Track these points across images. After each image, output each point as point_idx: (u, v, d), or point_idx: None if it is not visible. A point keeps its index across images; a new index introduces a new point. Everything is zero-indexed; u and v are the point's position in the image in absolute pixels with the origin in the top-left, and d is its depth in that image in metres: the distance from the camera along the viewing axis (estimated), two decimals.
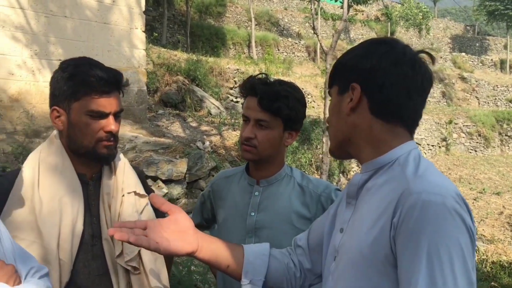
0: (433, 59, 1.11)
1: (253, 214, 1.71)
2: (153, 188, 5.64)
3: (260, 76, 1.73)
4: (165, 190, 5.85)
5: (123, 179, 1.55)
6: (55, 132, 1.52)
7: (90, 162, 1.51)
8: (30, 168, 1.45)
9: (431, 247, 0.87)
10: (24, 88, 6.53)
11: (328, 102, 7.47)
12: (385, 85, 1.04)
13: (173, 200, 5.83)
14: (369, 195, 1.05)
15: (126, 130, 7.09)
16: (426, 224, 0.88)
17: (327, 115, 1.32)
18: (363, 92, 1.06)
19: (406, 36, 29.88)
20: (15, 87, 6.43)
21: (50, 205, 1.41)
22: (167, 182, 6.01)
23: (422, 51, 1.10)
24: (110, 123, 1.44)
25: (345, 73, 1.11)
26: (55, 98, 1.45)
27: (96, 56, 6.87)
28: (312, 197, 1.72)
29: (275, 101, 1.63)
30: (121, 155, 1.61)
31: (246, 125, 1.70)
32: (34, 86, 6.61)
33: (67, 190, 1.45)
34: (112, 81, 1.43)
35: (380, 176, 1.05)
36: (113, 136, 1.47)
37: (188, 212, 5.15)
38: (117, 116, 1.48)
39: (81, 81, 1.40)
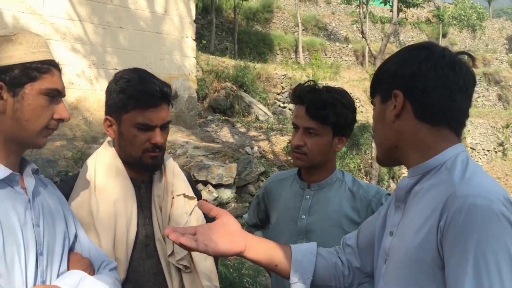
0: (473, 59, 1.11)
1: (304, 217, 1.74)
2: (203, 192, 5.78)
3: (308, 83, 1.75)
4: (215, 194, 5.96)
5: (173, 182, 1.61)
6: (108, 138, 1.60)
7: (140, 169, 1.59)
8: (87, 173, 1.54)
9: (478, 251, 0.87)
10: (82, 96, 6.87)
11: None
12: (427, 89, 1.04)
13: (223, 204, 5.93)
14: (416, 199, 1.06)
15: (178, 136, 7.28)
16: (472, 228, 0.88)
17: None
18: (406, 98, 1.07)
19: (459, 37, 28.87)
20: (74, 95, 6.78)
21: (106, 208, 1.49)
22: (217, 186, 6.10)
23: (462, 53, 1.10)
24: (156, 136, 1.50)
25: (386, 81, 1.12)
26: (108, 108, 1.54)
27: (149, 64, 7.14)
28: (363, 202, 1.73)
29: (322, 109, 1.65)
30: (171, 159, 1.67)
31: (296, 132, 1.73)
32: (92, 94, 6.94)
33: (121, 193, 1.53)
34: (158, 95, 1.49)
35: (427, 180, 1.05)
36: (159, 147, 1.52)
37: (237, 216, 5.20)
38: (164, 127, 1.54)
39: (130, 95, 1.47)
